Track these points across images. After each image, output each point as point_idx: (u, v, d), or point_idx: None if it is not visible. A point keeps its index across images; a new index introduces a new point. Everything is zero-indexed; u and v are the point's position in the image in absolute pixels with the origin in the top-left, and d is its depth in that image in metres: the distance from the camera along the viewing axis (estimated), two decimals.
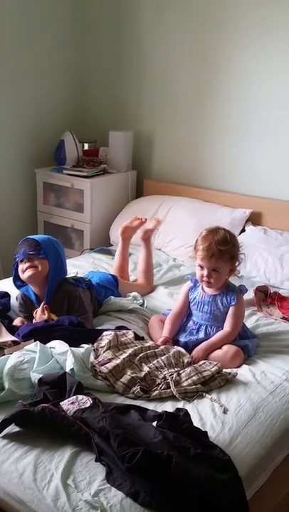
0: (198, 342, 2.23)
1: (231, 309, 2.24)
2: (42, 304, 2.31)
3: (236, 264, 2.27)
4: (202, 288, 2.31)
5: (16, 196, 3.86)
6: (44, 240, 2.43)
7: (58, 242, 2.50)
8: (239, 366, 2.15)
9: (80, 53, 3.97)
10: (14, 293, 2.61)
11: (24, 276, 2.36)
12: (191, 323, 2.32)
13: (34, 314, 2.33)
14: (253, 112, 3.31)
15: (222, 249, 2.19)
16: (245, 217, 3.32)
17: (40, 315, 2.29)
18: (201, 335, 2.26)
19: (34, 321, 2.30)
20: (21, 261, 2.38)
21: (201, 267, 2.24)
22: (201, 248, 2.22)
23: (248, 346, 2.22)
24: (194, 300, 2.32)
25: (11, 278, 2.51)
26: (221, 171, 3.53)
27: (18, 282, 2.46)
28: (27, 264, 2.35)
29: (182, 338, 2.28)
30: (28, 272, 2.34)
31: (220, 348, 2.19)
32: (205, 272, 2.22)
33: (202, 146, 3.58)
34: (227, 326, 2.23)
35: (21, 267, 2.37)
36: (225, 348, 2.17)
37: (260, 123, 3.30)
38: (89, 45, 3.95)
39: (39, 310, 2.31)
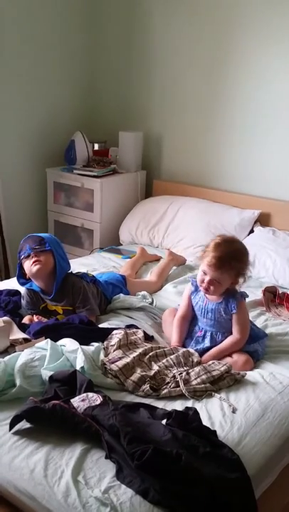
0: (206, 350, 2.20)
1: (234, 317, 2.19)
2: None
3: (240, 281, 2.21)
4: (205, 294, 2.25)
5: (27, 196, 3.89)
6: (46, 236, 2.50)
7: (58, 240, 2.56)
8: None
9: (90, 55, 3.99)
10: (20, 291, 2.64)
11: (32, 271, 2.39)
12: (196, 328, 2.29)
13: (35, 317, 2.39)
14: (262, 113, 3.31)
15: (232, 265, 2.13)
16: (254, 218, 3.33)
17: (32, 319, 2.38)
18: (207, 342, 2.23)
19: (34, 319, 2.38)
20: (27, 257, 2.41)
21: (204, 273, 2.17)
22: (211, 255, 2.13)
23: (258, 351, 2.22)
24: (197, 305, 2.28)
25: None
26: (230, 172, 3.54)
27: (22, 279, 2.50)
28: (34, 259, 2.38)
29: (189, 347, 2.23)
30: (36, 267, 2.38)
31: (230, 355, 2.16)
32: (206, 279, 2.16)
33: (211, 147, 3.59)
34: (235, 332, 2.20)
35: (28, 262, 2.40)
36: (235, 356, 2.15)
37: (269, 124, 3.30)
38: (99, 47, 3.96)
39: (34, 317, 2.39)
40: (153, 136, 3.85)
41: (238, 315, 2.19)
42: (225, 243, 2.17)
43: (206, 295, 2.24)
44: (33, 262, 2.38)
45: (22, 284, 2.51)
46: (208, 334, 2.24)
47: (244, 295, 2.25)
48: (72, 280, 2.46)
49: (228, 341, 2.19)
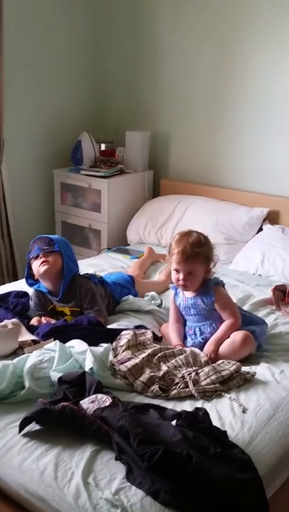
0: (202, 344, 2.22)
1: (216, 305, 2.24)
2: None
3: (211, 266, 2.26)
4: (182, 292, 2.31)
5: (34, 197, 3.89)
6: (55, 237, 2.52)
7: (67, 241, 2.58)
8: (251, 353, 2.16)
9: (96, 54, 3.98)
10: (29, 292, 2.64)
11: (40, 271, 2.40)
12: (187, 328, 2.33)
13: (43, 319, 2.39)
14: (270, 111, 3.29)
15: (197, 251, 2.19)
16: (263, 216, 3.31)
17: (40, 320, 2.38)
18: (199, 337, 2.26)
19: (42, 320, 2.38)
20: (35, 258, 2.42)
21: (177, 271, 2.23)
22: (176, 252, 2.21)
23: (256, 332, 2.21)
24: (180, 306, 2.33)
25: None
26: (238, 170, 3.52)
27: (30, 280, 2.51)
28: (42, 260, 2.39)
29: (188, 344, 2.27)
30: (44, 267, 2.39)
31: (228, 337, 2.17)
32: (181, 276, 2.22)
33: (219, 145, 3.57)
34: (226, 317, 2.23)
35: (36, 263, 2.41)
36: (232, 336, 2.16)
37: (277, 121, 3.28)
38: (106, 46, 3.96)
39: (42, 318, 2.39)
40: (160, 136, 3.85)
41: (219, 301, 2.24)
42: (184, 236, 2.26)
43: (183, 292, 2.29)
44: (41, 263, 2.39)
45: (30, 285, 2.52)
46: (198, 330, 2.28)
47: (218, 282, 2.29)
48: (80, 281, 2.46)
49: (223, 326, 2.22)
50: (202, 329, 2.27)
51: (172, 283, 2.36)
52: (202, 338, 2.24)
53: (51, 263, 2.39)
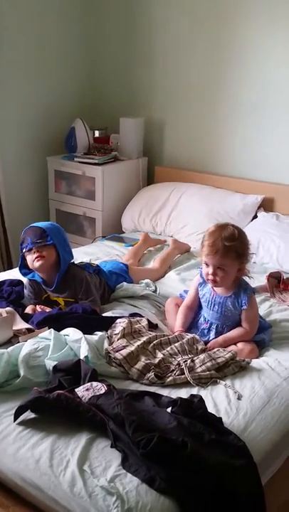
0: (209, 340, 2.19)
1: (244, 313, 2.16)
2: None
3: (245, 263, 2.15)
4: (212, 287, 2.22)
5: (28, 184, 3.87)
6: (48, 227, 2.43)
7: (60, 228, 2.51)
8: None
9: (90, 40, 3.94)
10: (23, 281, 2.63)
11: (34, 266, 2.37)
12: (202, 319, 2.27)
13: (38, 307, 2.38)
14: (265, 98, 3.27)
15: (228, 245, 2.07)
16: (257, 204, 3.30)
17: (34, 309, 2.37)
18: (212, 335, 2.21)
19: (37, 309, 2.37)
20: (29, 250, 2.38)
21: (207, 264, 2.13)
22: (206, 244, 2.10)
23: (265, 340, 2.20)
24: (204, 297, 2.26)
25: None
26: (233, 157, 3.51)
27: (24, 270, 2.48)
28: (36, 255, 2.35)
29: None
30: (38, 262, 2.35)
31: (235, 344, 2.14)
32: (210, 270, 2.11)
33: (213, 132, 3.55)
34: (244, 326, 2.18)
35: (30, 257, 2.38)
36: (240, 345, 2.13)
37: (272, 108, 3.26)
38: (99, 32, 3.91)
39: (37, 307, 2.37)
40: (154, 122, 3.82)
41: (249, 311, 2.17)
42: (217, 229, 2.14)
43: (214, 288, 2.21)
44: (36, 258, 2.35)
45: (24, 275, 2.50)
46: (214, 327, 2.22)
47: (254, 290, 2.23)
48: (74, 271, 2.44)
49: (236, 332, 2.17)
50: (219, 328, 2.21)
51: (201, 271, 2.25)
52: (214, 337, 2.19)
53: (46, 258, 2.35)
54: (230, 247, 2.08)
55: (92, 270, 2.53)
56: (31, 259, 2.38)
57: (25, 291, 2.50)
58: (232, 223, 2.21)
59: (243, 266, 2.16)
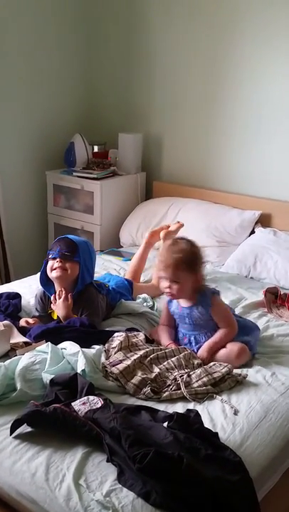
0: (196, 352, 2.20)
1: (213, 315, 2.21)
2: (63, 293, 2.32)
3: (199, 272, 2.21)
4: (177, 300, 2.27)
5: (27, 198, 3.89)
6: (81, 244, 2.42)
7: (93, 248, 2.51)
8: (246, 363, 2.15)
9: (89, 56, 3.98)
10: (26, 294, 2.63)
11: (52, 275, 2.36)
12: (181, 335, 2.30)
13: (53, 305, 2.35)
14: (263, 114, 3.31)
15: (177, 258, 2.15)
16: (255, 219, 3.32)
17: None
18: (194, 347, 2.23)
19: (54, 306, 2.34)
20: (54, 258, 2.36)
21: (161, 279, 2.22)
22: (159, 260, 2.22)
23: (250, 342, 2.21)
24: (175, 313, 2.31)
25: (23, 279, 2.50)
26: (231, 173, 3.53)
27: (43, 277, 2.44)
28: (58, 264, 2.34)
29: None
30: (57, 273, 2.34)
31: (224, 346, 2.17)
32: (165, 284, 2.19)
33: (211, 148, 3.58)
34: (222, 326, 2.22)
35: (51, 264, 2.36)
36: (229, 346, 2.16)
37: (270, 125, 3.30)
38: (98, 48, 3.96)
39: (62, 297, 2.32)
40: (153, 138, 3.85)
41: (216, 311, 2.22)
42: (168, 245, 2.24)
43: (178, 300, 2.27)
44: (56, 268, 2.34)
45: (42, 282, 2.44)
46: (193, 339, 2.25)
47: (214, 291, 2.27)
48: (90, 293, 2.39)
49: (218, 333, 2.21)
50: (197, 338, 2.25)
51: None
52: (197, 348, 2.21)
53: (66, 272, 2.33)
54: (179, 258, 2.16)
55: (105, 291, 2.51)
56: (50, 267, 2.36)
57: (34, 300, 2.50)
58: (185, 237, 2.30)
59: (198, 275, 2.22)
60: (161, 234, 3.01)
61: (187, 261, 2.18)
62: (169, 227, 3.09)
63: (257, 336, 2.29)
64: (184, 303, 2.26)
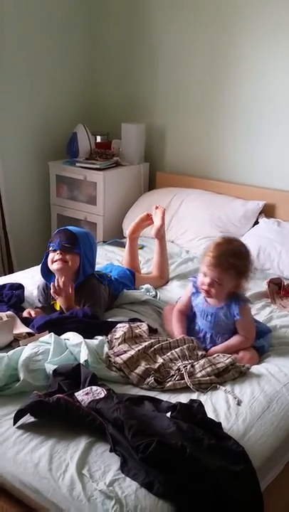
0: (206, 351, 2.16)
1: (238, 323, 2.15)
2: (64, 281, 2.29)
3: (243, 282, 2.14)
4: (205, 297, 2.20)
5: (30, 189, 3.88)
6: (81, 235, 2.41)
7: (93, 239, 2.49)
8: None
9: (92, 46, 3.96)
10: (29, 285, 2.63)
11: (53, 267, 2.35)
12: (197, 328, 2.26)
13: (52, 293, 2.33)
14: (266, 104, 3.29)
15: (231, 262, 2.07)
16: (259, 210, 3.31)
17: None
18: (207, 343, 2.20)
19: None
20: (54, 250, 2.36)
21: (204, 274, 2.12)
22: (210, 255, 2.09)
23: (264, 347, 2.20)
24: (197, 307, 2.25)
25: (26, 270, 2.50)
26: (234, 163, 3.52)
27: (45, 270, 2.43)
28: (58, 257, 2.33)
29: None
30: (58, 265, 2.33)
31: (236, 352, 2.12)
32: (207, 281, 2.10)
33: (215, 138, 3.56)
34: (241, 334, 2.17)
35: (52, 256, 2.36)
36: (241, 353, 2.11)
37: (274, 114, 3.27)
38: (101, 38, 3.93)
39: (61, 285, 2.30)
40: (156, 128, 3.83)
41: (242, 321, 2.15)
42: (224, 242, 2.13)
43: (207, 299, 2.20)
44: (57, 260, 2.33)
45: (44, 274, 2.44)
46: (208, 336, 2.22)
47: (247, 300, 2.22)
48: (92, 284, 2.39)
49: (235, 340, 2.16)
50: (213, 337, 2.20)
51: (193, 280, 2.24)
52: (210, 347, 2.18)
53: (67, 264, 2.33)
54: (233, 264, 2.07)
55: (107, 282, 2.50)
56: (51, 259, 2.35)
57: (37, 291, 2.49)
58: (239, 239, 2.20)
59: (240, 283, 2.15)
60: (153, 231, 2.88)
61: (239, 269, 2.10)
62: (149, 216, 2.93)
63: (269, 339, 2.26)
64: (211, 301, 2.19)
